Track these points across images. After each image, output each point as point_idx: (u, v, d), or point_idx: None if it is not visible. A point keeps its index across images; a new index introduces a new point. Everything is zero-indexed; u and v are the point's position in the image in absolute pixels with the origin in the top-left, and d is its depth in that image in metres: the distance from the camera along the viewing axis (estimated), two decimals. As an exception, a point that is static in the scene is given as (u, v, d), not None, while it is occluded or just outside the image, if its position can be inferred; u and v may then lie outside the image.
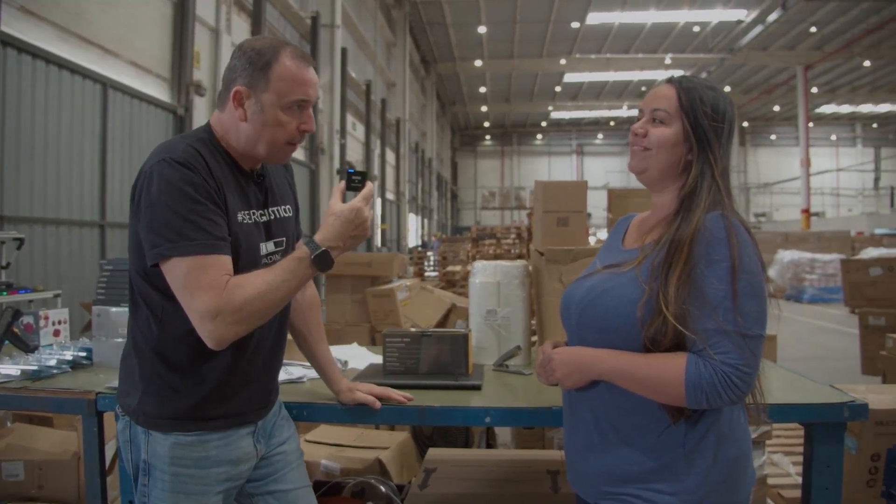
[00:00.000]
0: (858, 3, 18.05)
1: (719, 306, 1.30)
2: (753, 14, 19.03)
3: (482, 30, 21.25)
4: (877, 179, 33.35)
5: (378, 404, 1.81)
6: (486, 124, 39.05)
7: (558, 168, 38.50)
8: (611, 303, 1.41)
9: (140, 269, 1.47)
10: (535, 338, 2.71)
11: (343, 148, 13.46)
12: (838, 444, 1.86)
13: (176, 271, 1.38)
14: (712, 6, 18.87)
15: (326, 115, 12.32)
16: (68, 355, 2.28)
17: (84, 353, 2.33)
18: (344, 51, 13.12)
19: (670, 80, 1.49)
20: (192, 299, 1.37)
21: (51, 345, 2.52)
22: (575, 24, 20.87)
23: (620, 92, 29.76)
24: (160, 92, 7.52)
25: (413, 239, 25.30)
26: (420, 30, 21.94)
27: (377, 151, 17.47)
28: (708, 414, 1.39)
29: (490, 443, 3.71)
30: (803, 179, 23.62)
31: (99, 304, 2.39)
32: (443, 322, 4.11)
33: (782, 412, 1.84)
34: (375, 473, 2.91)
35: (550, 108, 33.00)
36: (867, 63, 22.71)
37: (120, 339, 2.33)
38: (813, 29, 20.28)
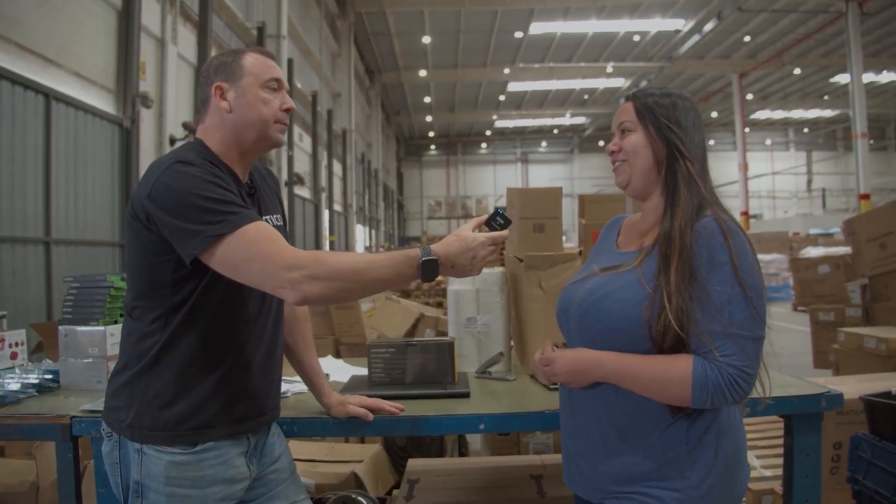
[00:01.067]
0: (787, 14, 18.82)
1: (724, 309, 1.34)
2: (690, 24, 19.62)
3: (426, 40, 21.34)
4: (809, 182, 34.74)
5: (371, 417, 1.80)
6: (431, 134, 39.19)
7: (503, 176, 38.87)
8: (614, 305, 1.43)
9: (148, 277, 1.47)
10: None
11: (291, 160, 13.30)
12: (816, 434, 1.94)
13: (233, 247, 1.37)
14: (651, 16, 19.39)
15: (274, 126, 12.14)
16: (33, 378, 2.18)
17: (50, 376, 2.24)
18: (290, 61, 12.99)
19: (628, 97, 1.57)
20: (266, 259, 1.36)
21: (12, 368, 2.41)
22: (518, 34, 21.15)
23: (563, 100, 30.24)
24: (105, 103, 7.30)
25: (361, 250, 25.17)
26: (364, 40, 21.89)
27: (324, 163, 17.33)
28: (707, 411, 1.42)
29: (462, 451, 3.70)
30: (741, 183, 24.42)
31: (66, 324, 2.31)
32: (411, 332, 4.10)
33: (757, 406, 1.90)
34: (351, 487, 2.87)
35: (495, 116, 33.31)
36: (797, 71, 23.70)
37: (89, 360, 2.26)
38: (747, 38, 21.05)
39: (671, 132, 1.49)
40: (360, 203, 25.12)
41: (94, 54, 7.13)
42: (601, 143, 36.82)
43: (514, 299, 2.49)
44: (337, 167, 19.47)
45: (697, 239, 1.39)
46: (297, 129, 14.26)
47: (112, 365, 2.25)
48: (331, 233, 19.08)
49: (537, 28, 20.36)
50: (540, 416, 1.84)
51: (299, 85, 14.67)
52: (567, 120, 33.90)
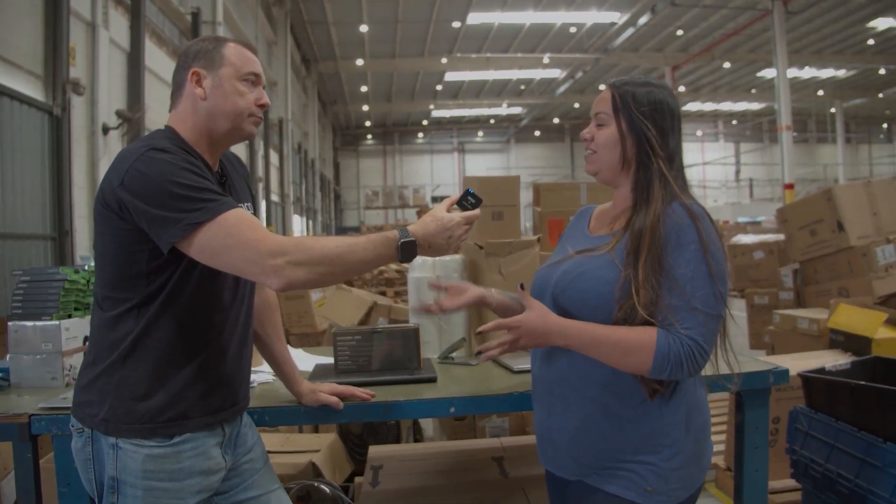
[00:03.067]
0: (718, 10, 19.45)
1: (687, 284, 1.41)
2: (626, 17, 20.05)
3: (364, 29, 21.14)
4: (737, 172, 36.03)
5: (341, 405, 1.82)
6: (368, 124, 38.89)
7: (440, 166, 38.92)
8: (588, 284, 1.49)
9: (121, 267, 1.45)
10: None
11: (227, 150, 12.99)
12: (765, 408, 2.08)
13: (213, 234, 1.35)
14: (587, 8, 19.71)
15: (210, 114, 11.85)
16: (-19, 377, 2.11)
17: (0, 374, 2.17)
18: (226, 48, 12.68)
19: (608, 85, 1.61)
20: (248, 246, 1.35)
21: (-45, 366, 2.31)
22: (456, 24, 21.17)
23: (500, 90, 30.45)
24: (33, 90, 6.97)
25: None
26: (301, 28, 21.52)
27: (261, 153, 17.00)
28: (679, 388, 1.50)
29: (416, 437, 3.74)
30: (673, 173, 25.06)
31: (15, 320, 2.23)
32: (365, 321, 4.10)
33: (717, 384, 2.00)
34: (310, 477, 2.88)
35: (432, 106, 33.28)
36: (727, 65, 24.53)
37: (41, 356, 2.19)
38: (679, 32, 21.64)
39: (645, 128, 1.53)
40: (298, 193, 24.75)
41: (19, 38, 6.78)
42: (537, 133, 37.29)
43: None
44: (273, 157, 19.14)
45: (665, 221, 1.46)
46: (233, 118, 13.93)
47: (69, 360, 2.22)
48: (268, 223, 18.77)
49: (475, 18, 20.44)
50: (508, 398, 1.90)
51: (235, 73, 14.34)
52: (504, 110, 34.16)
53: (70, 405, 1.74)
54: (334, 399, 1.81)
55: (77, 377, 1.55)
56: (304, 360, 2.46)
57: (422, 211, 13.31)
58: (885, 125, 35.05)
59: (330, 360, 2.36)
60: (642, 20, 19.18)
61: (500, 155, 38.43)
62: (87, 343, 1.56)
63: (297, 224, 25.71)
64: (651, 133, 1.53)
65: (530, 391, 1.83)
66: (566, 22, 20.77)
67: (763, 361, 2.16)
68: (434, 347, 2.43)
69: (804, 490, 2.73)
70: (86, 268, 2.46)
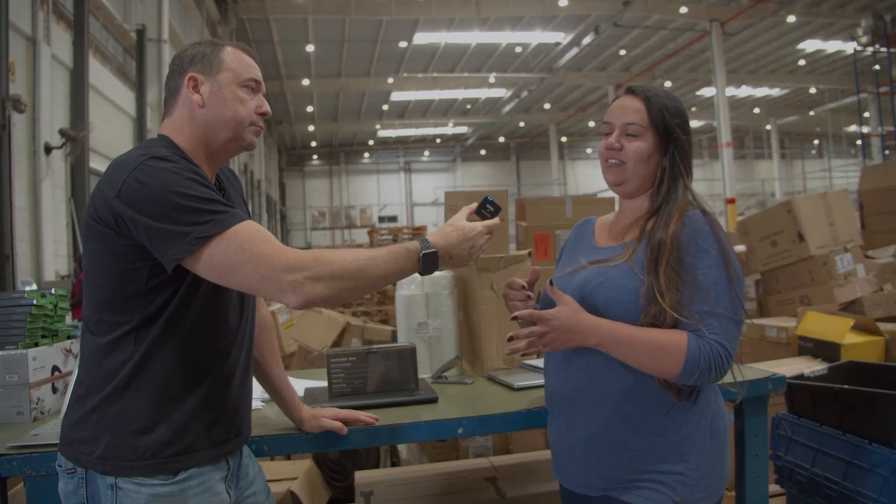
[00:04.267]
0: (658, 31, 20.01)
1: (710, 290, 1.40)
2: (570, 37, 20.42)
3: (310, 48, 20.99)
4: (676, 187, 36.98)
5: (345, 430, 1.73)
6: (314, 144, 38.52)
7: (387, 186, 38.79)
8: (609, 293, 1.46)
9: (116, 287, 1.33)
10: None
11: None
12: (763, 415, 2.09)
13: (224, 249, 1.25)
14: (532, 29, 20.00)
15: (154, 134, 11.56)
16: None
17: (-45, 409, 2.01)
18: (172, 67, 12.41)
19: (633, 92, 1.59)
20: (263, 261, 1.24)
21: None
22: (403, 44, 21.21)
23: (446, 110, 30.61)
24: (-29, 108, 6.68)
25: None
26: (246, 47, 21.24)
27: (208, 173, 16.65)
28: (702, 396, 1.49)
29: (394, 461, 3.65)
30: (617, 189, 25.63)
31: (-23, 348, 2.08)
32: (338, 342, 3.99)
33: (725, 392, 2.00)
34: (289, 506, 2.77)
35: (378, 126, 33.19)
36: (668, 83, 25.20)
37: (4, 389, 2.05)
38: (622, 52, 22.17)
39: (682, 142, 1.53)
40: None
41: (-44, 54, 6.51)
42: (483, 151, 37.56)
43: (464, 303, 2.48)
44: (220, 178, 18.76)
45: (685, 227, 1.45)
46: (179, 138, 13.61)
47: (36, 393, 2.07)
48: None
49: (421, 38, 20.52)
50: (517, 416, 1.84)
51: (180, 92, 14.05)
52: (450, 129, 34.31)
53: (44, 442, 1.62)
54: (338, 424, 1.72)
55: (66, 411, 1.42)
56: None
57: (373, 231, 13.19)
58: (816, 141, 36.53)
59: (316, 383, 2.27)
60: (586, 40, 19.59)
61: (446, 174, 38.55)
62: (77, 373, 1.42)
63: (244, 246, 25.11)
64: (684, 147, 1.53)
65: (539, 408, 1.80)
66: (511, 42, 21.03)
67: (760, 370, 2.17)
68: (426, 367, 2.37)
69: (789, 495, 2.76)
70: (52, 291, 2.32)
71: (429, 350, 2.40)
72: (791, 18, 18.44)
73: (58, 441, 1.63)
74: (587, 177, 35.93)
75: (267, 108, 1.51)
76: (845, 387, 2.59)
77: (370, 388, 2.06)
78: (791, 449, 2.75)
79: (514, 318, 1.46)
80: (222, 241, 1.25)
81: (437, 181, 37.82)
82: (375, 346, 2.12)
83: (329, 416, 1.74)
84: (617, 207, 1.71)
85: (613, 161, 1.57)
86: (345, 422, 1.74)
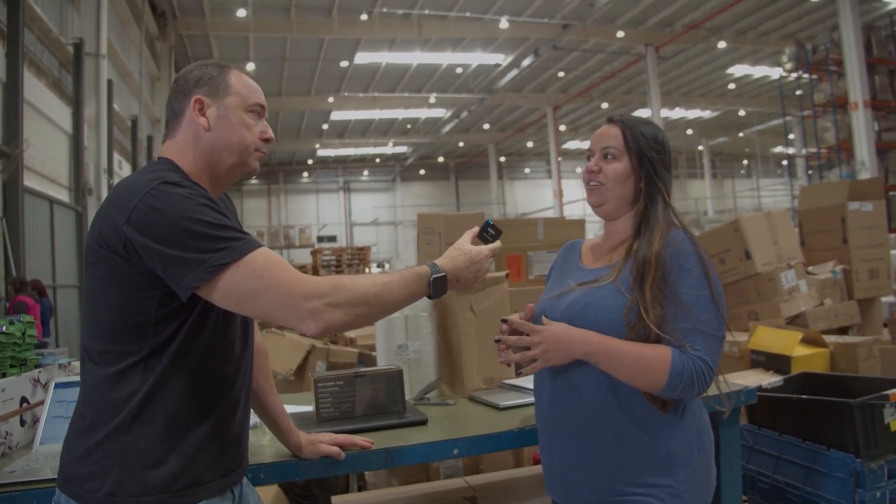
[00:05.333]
0: (596, 54, 20.62)
1: (693, 308, 1.48)
2: (510, 59, 20.81)
3: (250, 66, 20.76)
4: (614, 206, 37.89)
5: (342, 455, 1.73)
6: (253, 162, 37.97)
7: (326, 205, 38.46)
8: (598, 313, 1.53)
9: (123, 316, 1.30)
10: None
11: (111, 189, 12.32)
12: (736, 426, 2.18)
13: (240, 276, 1.23)
14: (473, 50, 20.31)
15: (93, 152, 11.21)
16: None
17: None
18: (110, 83, 12.08)
19: (613, 120, 1.69)
20: (282, 289, 1.23)
21: None
22: (344, 63, 21.20)
23: (386, 129, 30.66)
24: None
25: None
26: (185, 64, 20.78)
27: (145, 192, 16.19)
28: (688, 410, 1.56)
29: (360, 484, 3.61)
30: (557, 209, 26.17)
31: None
32: (303, 365, 3.94)
33: (709, 407, 2.07)
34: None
35: (317, 145, 32.96)
36: (605, 105, 25.94)
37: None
38: (561, 74, 22.71)
39: (656, 164, 1.62)
40: (181, 234, 23.69)
41: None
42: (422, 171, 37.71)
43: (442, 325, 2.51)
44: (157, 197, 18.27)
45: (669, 247, 1.53)
46: (116, 156, 13.24)
47: (4, 426, 1.98)
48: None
49: (363, 58, 20.56)
50: (508, 436, 1.87)
51: (118, 109, 13.69)
52: (389, 149, 34.32)
53: (21, 480, 1.56)
54: (336, 449, 1.72)
55: (65, 446, 1.36)
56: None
57: (316, 252, 13.07)
58: (745, 161, 38.11)
59: (297, 408, 2.25)
60: (526, 62, 20.00)
61: (386, 194, 38.52)
62: (78, 405, 1.37)
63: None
64: (659, 169, 1.61)
65: (530, 426, 1.84)
66: (452, 63, 21.29)
67: (732, 383, 2.26)
68: (406, 389, 2.38)
69: (752, 502, 2.87)
70: (21, 319, 2.24)
71: (409, 372, 2.41)
72: (721, 44, 19.30)
73: (37, 478, 1.59)
74: (525, 197, 36.48)
75: (271, 133, 1.51)
76: (804, 397, 2.73)
77: (358, 412, 2.06)
78: (753, 458, 2.87)
79: (498, 341, 1.53)
80: (239, 269, 1.24)
81: (376, 201, 37.75)
82: (363, 370, 2.12)
83: (326, 442, 1.74)
84: (593, 231, 1.79)
85: (594, 184, 1.66)
86: (341, 447, 1.74)
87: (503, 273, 2.50)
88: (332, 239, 35.20)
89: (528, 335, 1.51)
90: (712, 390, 1.60)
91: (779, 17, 18.38)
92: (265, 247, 1.32)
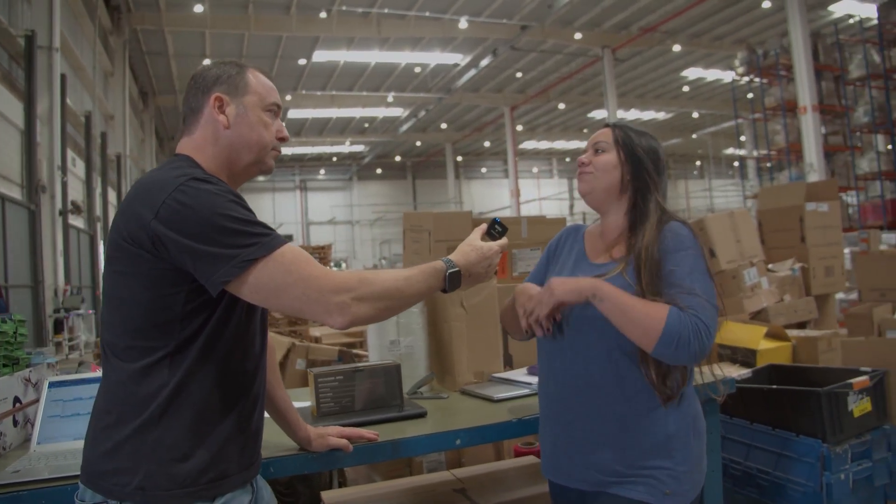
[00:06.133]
0: (553, 55, 20.90)
1: (685, 279, 1.56)
2: (468, 59, 20.94)
3: (207, 63, 20.46)
4: (571, 206, 38.30)
5: (350, 447, 1.78)
6: (207, 160, 37.33)
7: (283, 204, 38.03)
8: None
9: (150, 312, 1.32)
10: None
11: (65, 186, 11.98)
12: (717, 414, 2.30)
13: (270, 271, 1.27)
14: (432, 50, 20.36)
15: (46, 148, 10.89)
16: None
17: None
18: (63, 77, 11.75)
19: (607, 125, 1.80)
20: (310, 283, 1.27)
21: None
22: (302, 61, 21.03)
23: (343, 128, 30.51)
24: None
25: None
26: (139, 59, 20.37)
27: (98, 190, 15.80)
28: (685, 398, 1.65)
29: (340, 480, 3.64)
30: (514, 208, 26.41)
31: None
32: (283, 363, 3.95)
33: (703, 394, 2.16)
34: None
35: (275, 143, 32.62)
36: (561, 106, 26.30)
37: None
38: (518, 74, 22.95)
39: (644, 160, 1.72)
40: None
41: None
42: (379, 170, 37.62)
43: (433, 320, 2.57)
44: (112, 195, 17.86)
45: (665, 234, 1.63)
46: (70, 154, 12.89)
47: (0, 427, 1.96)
48: (104, 266, 17.35)
49: (321, 56, 20.41)
50: (509, 425, 1.94)
51: (71, 104, 13.33)
52: (346, 148, 34.14)
53: (29, 479, 1.56)
54: (344, 442, 1.76)
55: (89, 442, 1.36)
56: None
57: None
58: (698, 163, 39.05)
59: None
60: (484, 62, 20.15)
61: (342, 192, 38.29)
62: (100, 401, 1.37)
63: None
64: (649, 166, 1.71)
65: (530, 416, 1.91)
66: (411, 62, 21.30)
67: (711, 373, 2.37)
68: (398, 383, 2.43)
69: (724, 489, 3.00)
70: (12, 317, 2.22)
71: (401, 367, 2.46)
72: (676, 48, 19.78)
73: (46, 476, 1.59)
74: (482, 196, 36.71)
75: (286, 132, 1.54)
76: (774, 387, 2.87)
77: (357, 406, 2.10)
78: (725, 446, 3.00)
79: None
80: (269, 264, 1.27)
81: (333, 199, 37.50)
82: (361, 365, 2.16)
83: (334, 434, 1.78)
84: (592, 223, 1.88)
85: (584, 173, 1.76)
86: (349, 439, 1.79)
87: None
88: (289, 238, 34.84)
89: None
90: (708, 377, 1.71)
91: (731, 23, 18.93)
92: (291, 243, 1.36)
